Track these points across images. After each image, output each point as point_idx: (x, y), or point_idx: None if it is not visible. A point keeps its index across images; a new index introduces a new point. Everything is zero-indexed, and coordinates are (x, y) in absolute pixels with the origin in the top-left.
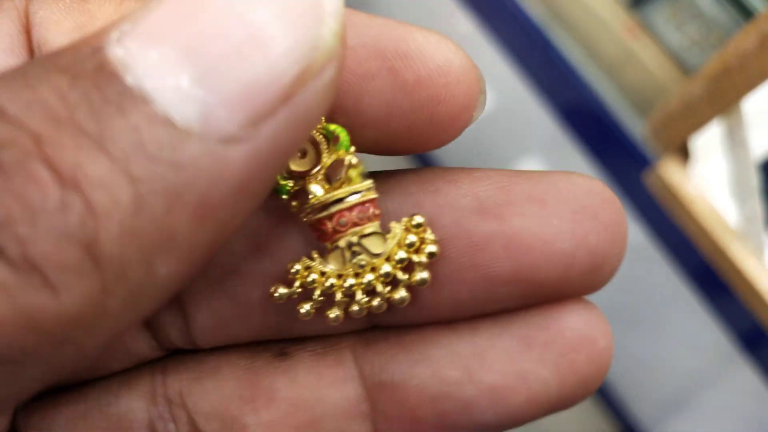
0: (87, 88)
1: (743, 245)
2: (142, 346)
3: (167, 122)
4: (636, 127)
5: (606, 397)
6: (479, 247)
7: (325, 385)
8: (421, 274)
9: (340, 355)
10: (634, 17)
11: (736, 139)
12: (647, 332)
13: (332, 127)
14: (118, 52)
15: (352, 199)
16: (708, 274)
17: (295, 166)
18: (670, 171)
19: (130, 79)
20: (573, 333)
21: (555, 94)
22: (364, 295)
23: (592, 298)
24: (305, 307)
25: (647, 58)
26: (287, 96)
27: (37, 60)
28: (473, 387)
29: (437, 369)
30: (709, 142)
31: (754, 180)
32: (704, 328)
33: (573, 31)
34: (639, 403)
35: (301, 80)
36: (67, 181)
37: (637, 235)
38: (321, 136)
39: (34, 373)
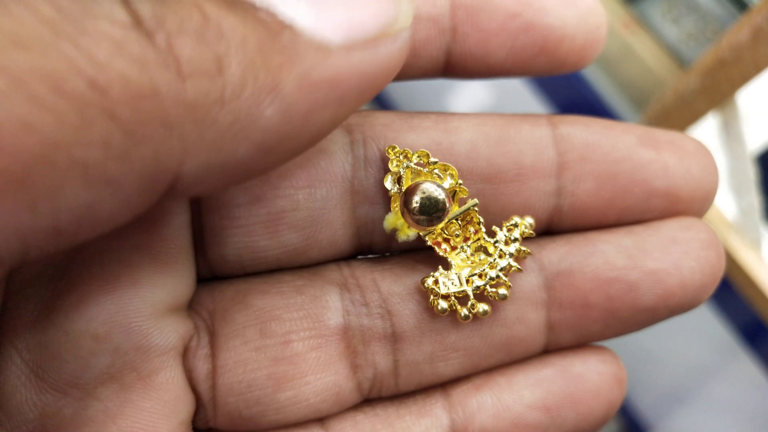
0: None
1: (741, 238)
2: (342, 242)
3: (285, 21)
4: (633, 121)
5: None
6: (644, 169)
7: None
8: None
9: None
10: (630, 12)
11: (731, 133)
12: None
13: (442, 165)
14: None
15: (467, 218)
16: None
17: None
18: None
19: None
20: (706, 234)
21: (552, 89)
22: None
23: None
24: (441, 306)
25: (644, 53)
26: (373, 41)
27: None
28: (638, 271)
29: (607, 258)
30: (704, 135)
31: (751, 173)
32: (706, 321)
33: None
34: (642, 397)
35: (383, 35)
36: (206, 17)
37: None
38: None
39: (143, 153)
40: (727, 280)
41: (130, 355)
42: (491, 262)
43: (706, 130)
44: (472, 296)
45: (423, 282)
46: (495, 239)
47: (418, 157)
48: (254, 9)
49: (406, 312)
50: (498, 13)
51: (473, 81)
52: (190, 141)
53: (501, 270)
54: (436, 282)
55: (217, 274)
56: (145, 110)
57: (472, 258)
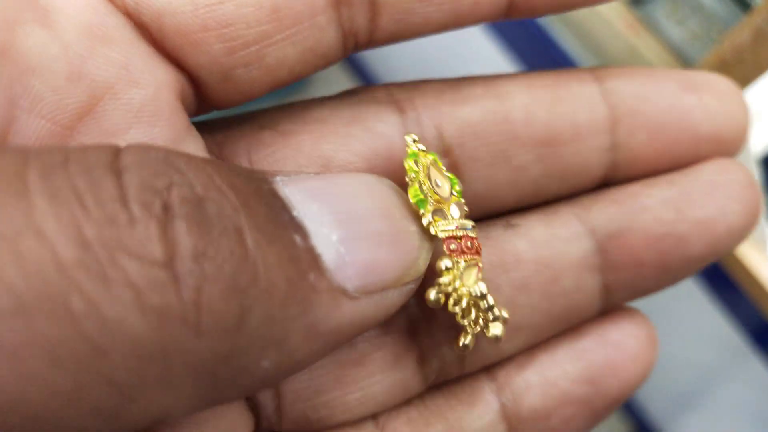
0: (262, 205)
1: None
2: None
3: (316, 256)
4: None
5: None
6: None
7: (562, 243)
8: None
9: (565, 218)
10: (635, 13)
11: None
12: (658, 328)
13: (451, 175)
14: (285, 190)
15: (472, 232)
16: (715, 270)
17: (434, 193)
18: None
19: (295, 213)
20: (743, 174)
21: None
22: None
23: None
24: (434, 295)
25: (649, 54)
26: (387, 286)
27: (221, 163)
28: (686, 223)
29: (655, 213)
30: None
31: (756, 174)
32: (714, 323)
33: (576, 29)
34: (651, 400)
35: (397, 281)
36: (247, 250)
37: None
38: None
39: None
40: (733, 282)
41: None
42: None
43: None
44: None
45: (438, 265)
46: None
47: (432, 162)
48: (291, 228)
49: None
50: None
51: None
52: (185, 394)
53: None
54: (447, 269)
55: None
56: (147, 373)
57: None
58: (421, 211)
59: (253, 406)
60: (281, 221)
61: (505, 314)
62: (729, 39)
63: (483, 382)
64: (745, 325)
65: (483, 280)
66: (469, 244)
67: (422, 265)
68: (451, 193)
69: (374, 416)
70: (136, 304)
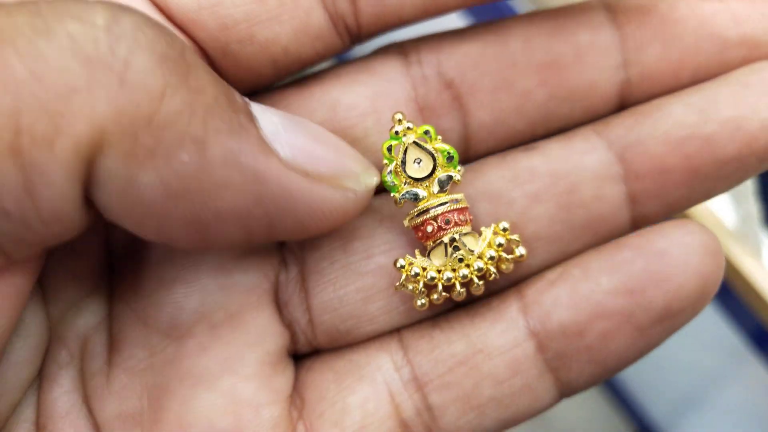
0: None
1: (741, 245)
2: None
3: (250, 112)
4: None
5: (620, 396)
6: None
7: (577, 155)
8: (519, 250)
9: (583, 134)
10: None
11: None
12: None
13: (448, 147)
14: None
15: (454, 205)
16: None
17: (411, 172)
18: None
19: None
20: None
21: None
22: (462, 287)
23: None
24: (420, 302)
25: None
26: (322, 178)
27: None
28: (712, 122)
29: (677, 118)
30: None
31: (748, 183)
32: (715, 327)
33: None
34: (653, 402)
35: (334, 180)
36: None
37: None
38: (437, 152)
39: None
40: (730, 286)
41: (217, 295)
42: (467, 260)
43: None
44: (457, 285)
45: (395, 262)
46: (480, 238)
47: (425, 132)
48: (239, 97)
49: (479, 212)
50: None
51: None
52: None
53: (477, 270)
54: (410, 264)
55: None
56: (76, 105)
57: (449, 252)
58: (392, 194)
59: (288, 323)
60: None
61: (521, 250)
62: None
63: (510, 299)
64: (746, 328)
65: (462, 240)
66: (446, 220)
67: (363, 183)
68: (434, 169)
69: (399, 333)
70: (71, 50)
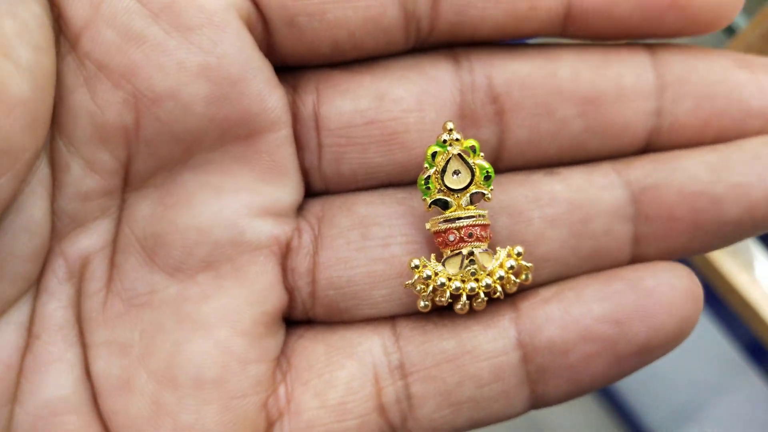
0: None
1: (734, 260)
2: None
3: None
4: None
5: (618, 407)
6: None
7: (596, 189)
8: (528, 276)
9: (604, 171)
10: None
11: None
12: None
13: (488, 166)
14: None
15: (480, 220)
16: (709, 287)
17: (449, 182)
18: None
19: None
20: None
21: None
22: (466, 299)
23: None
24: (423, 303)
25: None
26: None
27: None
28: (722, 185)
29: (692, 173)
30: None
31: None
32: (712, 338)
33: None
34: (651, 413)
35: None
36: None
37: None
38: (476, 168)
39: None
40: (724, 300)
41: (227, 249)
42: (479, 275)
43: None
44: (463, 296)
45: (409, 262)
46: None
47: (471, 147)
48: None
49: (498, 224)
50: None
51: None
52: None
53: (485, 287)
54: (425, 266)
55: (331, 189)
56: None
57: (464, 264)
58: (423, 198)
59: (290, 288)
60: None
61: (526, 274)
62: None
63: (504, 310)
64: (741, 341)
65: (481, 265)
66: (469, 233)
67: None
68: (470, 183)
69: (394, 320)
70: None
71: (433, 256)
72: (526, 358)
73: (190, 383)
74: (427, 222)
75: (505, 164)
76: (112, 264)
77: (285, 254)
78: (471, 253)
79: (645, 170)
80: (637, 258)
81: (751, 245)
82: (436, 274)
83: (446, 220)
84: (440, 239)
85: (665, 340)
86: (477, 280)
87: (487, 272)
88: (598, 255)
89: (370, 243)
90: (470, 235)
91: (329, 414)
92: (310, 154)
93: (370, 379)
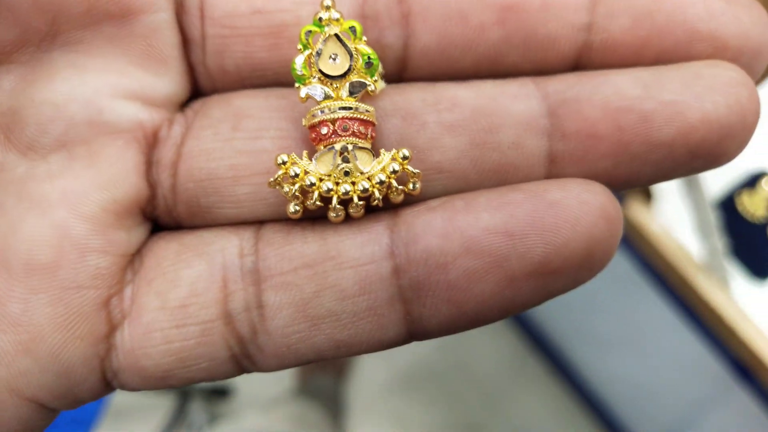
0: None
1: (709, 278)
2: None
3: None
4: None
5: (610, 423)
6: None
7: (508, 97)
8: (415, 185)
9: (522, 81)
10: None
11: (692, 182)
12: (649, 360)
13: (369, 51)
14: None
15: (359, 113)
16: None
17: (324, 67)
18: (635, 211)
19: None
20: (737, 73)
21: None
22: (340, 205)
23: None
24: (293, 207)
25: None
26: None
27: None
28: (653, 101)
29: (619, 87)
30: (668, 184)
31: (712, 218)
32: (701, 356)
33: None
34: (643, 430)
35: None
36: None
37: (628, 269)
38: (357, 53)
39: None
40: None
41: (82, 128)
42: (354, 177)
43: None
44: (334, 200)
45: (276, 157)
46: (377, 159)
47: (351, 28)
48: None
49: (388, 126)
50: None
51: None
52: None
53: (361, 191)
54: (293, 163)
55: (218, 89)
56: None
57: (337, 163)
58: (296, 85)
59: (153, 182)
60: None
61: (414, 186)
62: None
63: (381, 215)
64: (729, 358)
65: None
66: (344, 126)
67: None
68: (349, 70)
69: (260, 224)
70: None
71: (305, 153)
72: (398, 270)
73: (20, 268)
74: (303, 118)
75: (410, 74)
76: None
77: (151, 145)
78: (345, 149)
79: (566, 83)
80: (551, 178)
81: (725, 263)
82: (306, 172)
83: (319, 110)
84: (314, 134)
85: (569, 262)
86: (353, 183)
87: (366, 175)
88: (503, 170)
89: (239, 135)
90: (345, 129)
91: (169, 317)
92: (195, 48)
93: (217, 282)
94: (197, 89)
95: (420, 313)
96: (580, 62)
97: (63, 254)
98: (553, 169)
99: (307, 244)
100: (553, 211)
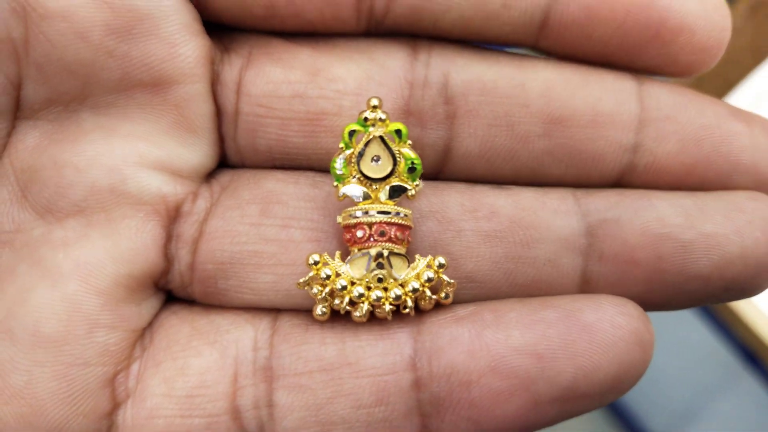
0: None
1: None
2: None
3: None
4: None
5: (618, 411)
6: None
7: (547, 212)
8: (447, 295)
9: (562, 195)
10: None
11: None
12: (657, 347)
13: (414, 156)
14: None
15: (398, 219)
16: None
17: (365, 169)
18: None
19: None
20: None
21: None
22: (368, 308)
23: None
24: (320, 309)
25: None
26: None
27: None
28: (694, 232)
29: (661, 214)
30: None
31: None
32: (708, 342)
33: None
34: (653, 416)
35: None
36: None
37: None
38: (400, 157)
39: None
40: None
41: (104, 195)
42: (387, 283)
43: None
44: (365, 305)
45: (308, 257)
46: (411, 265)
47: (396, 131)
48: None
49: (423, 229)
50: None
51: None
52: None
53: (394, 298)
54: (325, 264)
55: (247, 164)
56: None
57: (371, 267)
58: (335, 183)
59: (170, 257)
60: None
61: (447, 292)
62: None
63: (406, 321)
64: (737, 344)
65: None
66: (381, 231)
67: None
68: (391, 174)
69: (277, 314)
70: None
71: (338, 254)
72: (419, 383)
73: (26, 339)
74: (339, 214)
75: (448, 175)
76: None
77: (173, 218)
78: (380, 255)
79: (608, 201)
80: None
81: None
82: (338, 275)
83: (358, 213)
84: (348, 235)
85: (598, 388)
86: (385, 289)
87: (399, 282)
88: (536, 286)
89: (268, 221)
90: (382, 234)
91: (174, 405)
92: (227, 121)
93: (228, 375)
94: (225, 160)
95: (438, 428)
96: (622, 181)
97: (71, 328)
98: (586, 288)
99: (325, 346)
100: (587, 335)
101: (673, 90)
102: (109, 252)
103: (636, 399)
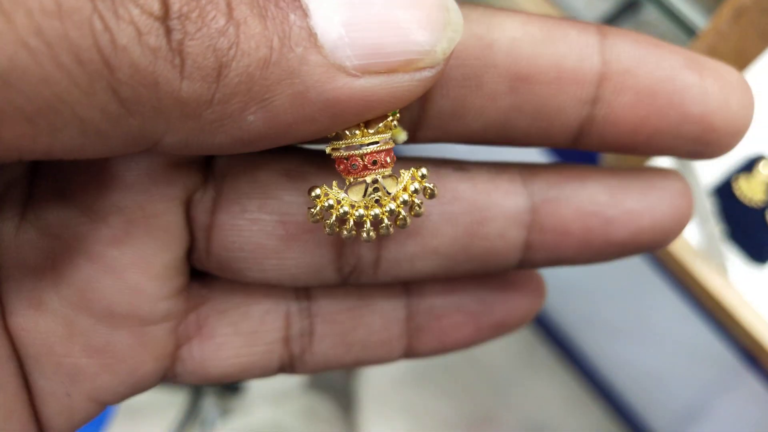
0: None
1: (707, 264)
2: None
3: (311, 33)
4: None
5: (621, 409)
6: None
7: (500, 194)
8: (417, 211)
9: (511, 176)
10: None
11: (687, 170)
12: (658, 347)
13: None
14: None
15: (384, 145)
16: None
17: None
18: None
19: (304, 1)
20: (681, 185)
21: None
22: (371, 226)
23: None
24: (327, 230)
25: None
26: (393, 69)
27: None
28: (616, 208)
29: (592, 194)
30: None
31: (708, 204)
32: (708, 342)
33: None
34: (656, 415)
35: (405, 66)
36: (232, 20)
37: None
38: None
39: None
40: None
41: (138, 195)
42: (381, 200)
43: (663, 164)
44: (368, 221)
45: (310, 190)
46: (398, 180)
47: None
48: (288, 9)
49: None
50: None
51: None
52: (174, 124)
53: (389, 212)
54: (326, 195)
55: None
56: (143, 95)
57: (369, 193)
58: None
59: (192, 238)
60: (280, 1)
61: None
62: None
63: (396, 290)
64: (735, 344)
65: (387, 186)
66: (374, 160)
67: (440, 53)
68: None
69: (306, 291)
70: (137, 39)
71: (334, 183)
72: (410, 316)
73: (102, 313)
74: (326, 145)
75: (425, 135)
76: (29, 192)
77: (189, 201)
78: (375, 181)
79: (549, 182)
80: (524, 263)
81: (723, 248)
82: (339, 202)
83: (349, 147)
84: (342, 166)
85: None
86: (381, 206)
87: (391, 197)
88: (487, 254)
89: (265, 217)
90: (374, 163)
91: (241, 339)
92: None
93: (281, 314)
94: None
95: (416, 347)
96: (581, 134)
97: (139, 306)
98: (527, 254)
99: (348, 299)
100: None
101: (634, 41)
102: (155, 245)
103: (638, 398)
